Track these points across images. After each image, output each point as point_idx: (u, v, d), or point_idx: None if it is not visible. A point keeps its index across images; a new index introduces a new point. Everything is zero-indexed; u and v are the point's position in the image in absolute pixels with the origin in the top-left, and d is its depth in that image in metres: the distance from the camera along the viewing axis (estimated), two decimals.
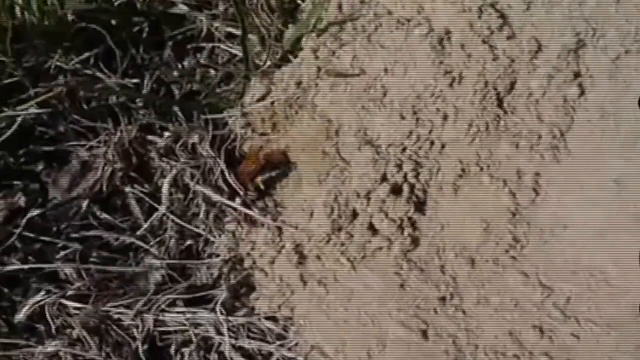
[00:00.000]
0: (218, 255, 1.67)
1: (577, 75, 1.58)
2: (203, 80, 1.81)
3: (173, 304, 1.63)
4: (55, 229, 1.71)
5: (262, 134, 1.73)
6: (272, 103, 1.71)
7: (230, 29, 1.82)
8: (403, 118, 1.61)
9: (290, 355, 1.58)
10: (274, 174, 1.72)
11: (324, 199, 1.61)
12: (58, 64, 1.78)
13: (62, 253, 1.68)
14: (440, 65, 1.61)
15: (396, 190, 1.58)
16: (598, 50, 1.58)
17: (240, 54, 1.77)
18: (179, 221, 1.69)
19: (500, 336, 1.49)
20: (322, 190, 1.63)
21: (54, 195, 1.74)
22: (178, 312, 1.62)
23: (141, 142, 1.75)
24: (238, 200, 1.69)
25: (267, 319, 1.61)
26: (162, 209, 1.70)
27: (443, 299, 1.53)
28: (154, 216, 1.71)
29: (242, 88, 1.75)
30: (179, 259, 1.68)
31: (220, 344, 1.59)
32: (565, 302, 1.48)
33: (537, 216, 1.54)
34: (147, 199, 1.72)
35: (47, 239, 1.68)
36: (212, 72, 1.83)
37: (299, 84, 1.70)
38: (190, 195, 1.72)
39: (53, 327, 1.60)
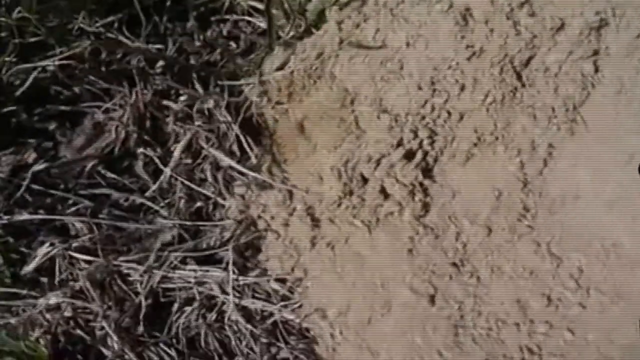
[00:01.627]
0: (231, 218, 1.67)
1: (596, 52, 1.61)
2: (224, 52, 1.83)
3: (183, 261, 1.63)
4: (64, 185, 1.71)
5: (278, 103, 1.74)
6: (292, 72, 1.73)
7: (253, 2, 1.85)
8: (420, 88, 1.63)
9: (290, 316, 1.58)
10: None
11: (334, 163, 1.62)
12: (81, 25, 1.79)
13: (74, 208, 1.68)
14: (462, 39, 1.64)
15: (409, 156, 1.60)
16: (619, 29, 1.61)
17: (263, 26, 1.80)
18: (187, 183, 1.70)
19: (506, 303, 1.49)
20: (335, 155, 1.64)
21: (64, 153, 1.75)
22: (188, 270, 1.62)
23: (157, 106, 1.76)
24: (249, 164, 1.70)
25: (277, 280, 1.61)
26: (167, 171, 1.70)
27: (455, 265, 1.54)
28: (162, 177, 1.71)
29: (261, 58, 1.77)
30: (189, 220, 1.68)
31: (223, 302, 1.59)
32: (577, 271, 1.49)
33: (548, 186, 1.55)
34: (157, 162, 1.73)
35: (58, 193, 1.68)
36: (233, 44, 1.85)
37: (320, 54, 1.72)
38: (200, 160, 1.73)
39: (58, 279, 1.60)
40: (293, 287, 1.60)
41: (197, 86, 1.78)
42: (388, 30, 1.69)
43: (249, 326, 1.58)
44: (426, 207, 1.59)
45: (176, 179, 1.71)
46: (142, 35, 1.81)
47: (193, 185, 1.70)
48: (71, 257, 1.61)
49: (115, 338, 1.54)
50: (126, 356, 1.53)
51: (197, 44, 1.83)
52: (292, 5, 1.77)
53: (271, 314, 1.59)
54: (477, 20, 1.64)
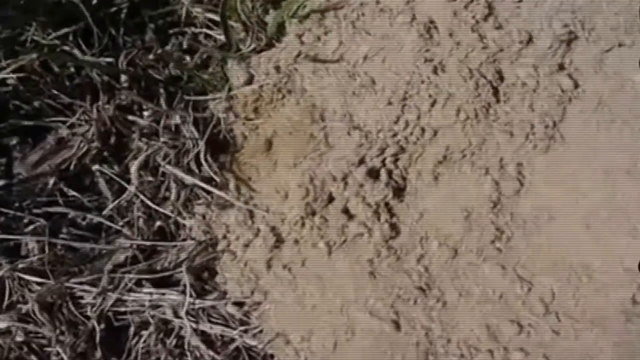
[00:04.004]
0: (192, 238, 1.60)
1: (565, 66, 1.55)
2: (179, 66, 1.76)
3: (138, 283, 1.56)
4: (20, 203, 1.65)
5: (247, 118, 1.67)
6: (261, 87, 1.66)
7: (211, 15, 1.77)
8: (390, 104, 1.56)
9: (253, 342, 1.51)
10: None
11: (298, 181, 1.55)
12: (34, 37, 1.72)
13: (29, 227, 1.62)
14: (426, 52, 1.57)
15: (374, 175, 1.53)
16: (589, 43, 1.55)
17: (222, 39, 1.72)
18: (148, 202, 1.63)
19: (476, 329, 1.42)
20: (297, 173, 1.57)
21: (19, 170, 1.69)
22: (143, 293, 1.55)
23: (123, 122, 1.70)
24: (212, 182, 1.63)
25: (235, 303, 1.54)
26: (132, 189, 1.64)
27: (421, 289, 1.46)
28: (123, 196, 1.65)
29: (223, 71, 1.70)
30: (150, 240, 1.61)
31: (180, 327, 1.52)
32: (547, 296, 1.42)
33: (521, 206, 1.49)
34: (118, 179, 1.66)
35: (12, 212, 1.62)
36: (188, 58, 1.78)
37: (277, 68, 1.65)
38: (163, 177, 1.66)
39: (7, 301, 1.53)
40: (252, 310, 1.52)
41: (162, 101, 1.72)
42: (350, 43, 1.63)
43: (210, 352, 1.51)
44: (393, 228, 1.51)
45: (137, 197, 1.64)
46: (96, 48, 1.73)
47: (152, 204, 1.63)
48: (21, 278, 1.54)
49: None
50: None
51: (151, 57, 1.76)
52: (250, 18, 1.70)
53: (232, 340, 1.52)
54: (441, 33, 1.58)
